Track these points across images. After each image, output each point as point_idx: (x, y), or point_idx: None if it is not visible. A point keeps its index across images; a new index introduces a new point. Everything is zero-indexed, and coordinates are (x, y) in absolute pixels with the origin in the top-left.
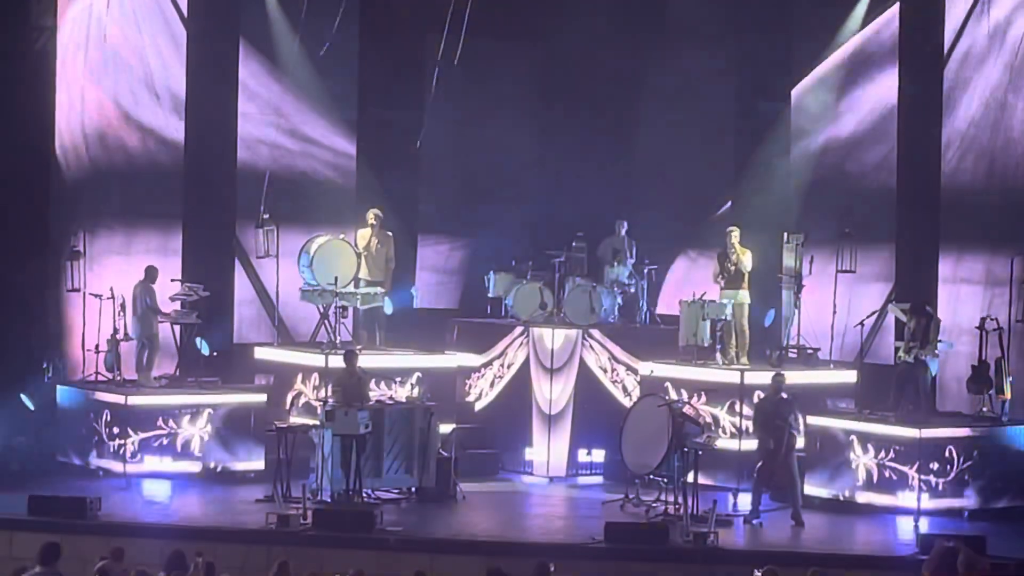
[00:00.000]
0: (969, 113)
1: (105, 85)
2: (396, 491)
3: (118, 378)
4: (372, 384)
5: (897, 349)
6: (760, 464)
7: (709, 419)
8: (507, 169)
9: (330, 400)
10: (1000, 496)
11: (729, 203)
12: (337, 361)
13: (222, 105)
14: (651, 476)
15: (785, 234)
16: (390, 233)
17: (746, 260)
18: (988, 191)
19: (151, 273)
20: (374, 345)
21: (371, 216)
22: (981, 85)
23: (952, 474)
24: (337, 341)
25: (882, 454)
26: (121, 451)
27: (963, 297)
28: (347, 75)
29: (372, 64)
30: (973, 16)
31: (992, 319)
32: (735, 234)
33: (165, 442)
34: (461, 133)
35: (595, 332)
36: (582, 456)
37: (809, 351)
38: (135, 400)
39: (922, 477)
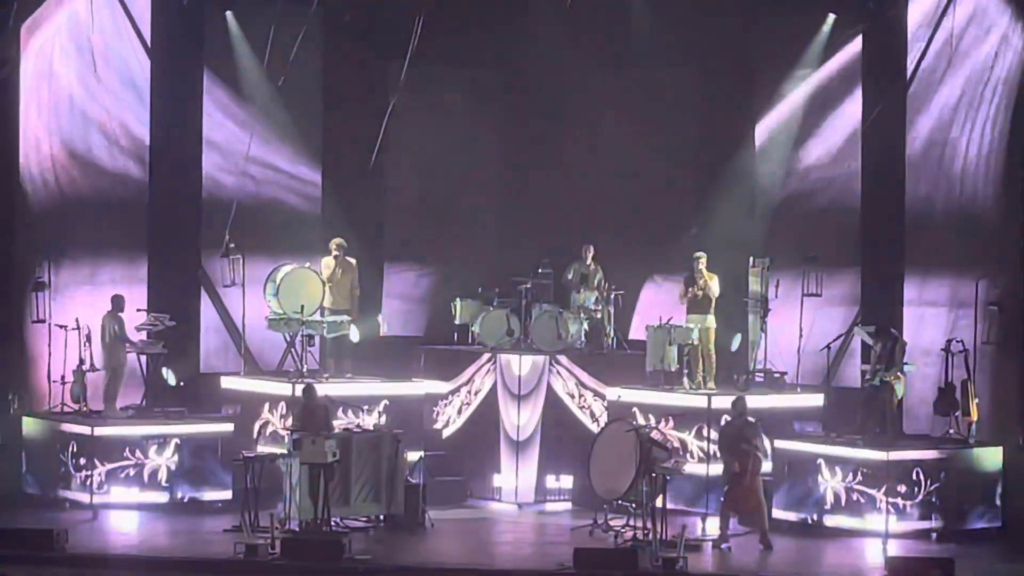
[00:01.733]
0: (931, 137)
1: (70, 114)
2: (364, 519)
3: (84, 409)
4: (339, 413)
5: (864, 372)
6: (727, 488)
7: (677, 444)
8: (472, 196)
9: (294, 431)
10: (968, 518)
11: (695, 227)
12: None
13: (187, 134)
14: (619, 501)
15: (751, 258)
16: (353, 261)
17: (714, 285)
18: (951, 215)
19: (118, 303)
20: (341, 373)
21: (334, 245)
22: (943, 110)
23: (920, 496)
24: (304, 370)
25: (849, 477)
26: (88, 482)
27: (928, 320)
28: (311, 104)
29: (336, 93)
30: (934, 43)
31: (957, 341)
32: (703, 260)
33: (132, 473)
34: (425, 160)
35: (562, 358)
36: (550, 482)
37: (776, 375)
38: (102, 431)
39: (890, 500)
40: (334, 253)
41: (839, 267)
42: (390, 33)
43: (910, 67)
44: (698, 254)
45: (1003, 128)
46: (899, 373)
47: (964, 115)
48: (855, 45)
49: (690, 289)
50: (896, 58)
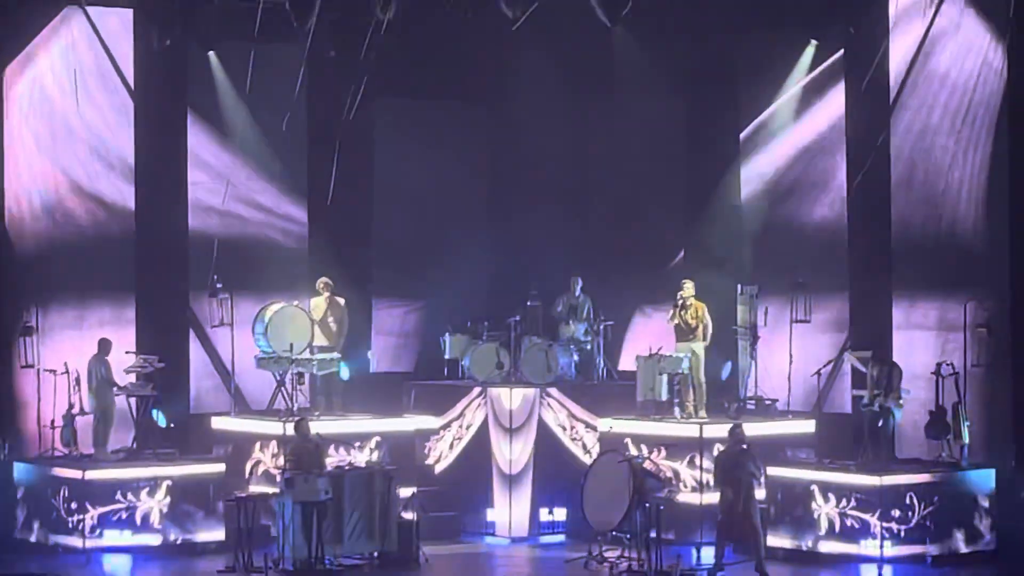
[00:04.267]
0: (916, 160)
1: (53, 157)
2: (358, 557)
3: (75, 453)
4: (331, 450)
5: (859, 398)
6: (721, 517)
7: (670, 474)
8: (459, 229)
9: (286, 470)
10: (962, 541)
11: (682, 254)
12: (292, 429)
13: (172, 175)
14: (614, 533)
15: (739, 286)
16: (342, 300)
17: (703, 315)
18: (937, 237)
19: (104, 346)
20: (332, 411)
21: (321, 284)
22: (927, 133)
23: (914, 521)
24: (294, 408)
25: (843, 503)
26: (80, 526)
27: (917, 343)
28: (296, 142)
29: (320, 129)
30: (916, 66)
31: (947, 364)
32: (688, 286)
33: (124, 516)
34: (412, 196)
35: (553, 390)
36: (544, 515)
37: (767, 402)
38: (93, 474)
39: (884, 525)
40: (321, 291)
41: (827, 292)
42: (374, 70)
43: (892, 90)
44: (684, 281)
45: (987, 149)
46: (899, 400)
47: (948, 138)
48: (838, 71)
49: (683, 316)
50: (878, 82)
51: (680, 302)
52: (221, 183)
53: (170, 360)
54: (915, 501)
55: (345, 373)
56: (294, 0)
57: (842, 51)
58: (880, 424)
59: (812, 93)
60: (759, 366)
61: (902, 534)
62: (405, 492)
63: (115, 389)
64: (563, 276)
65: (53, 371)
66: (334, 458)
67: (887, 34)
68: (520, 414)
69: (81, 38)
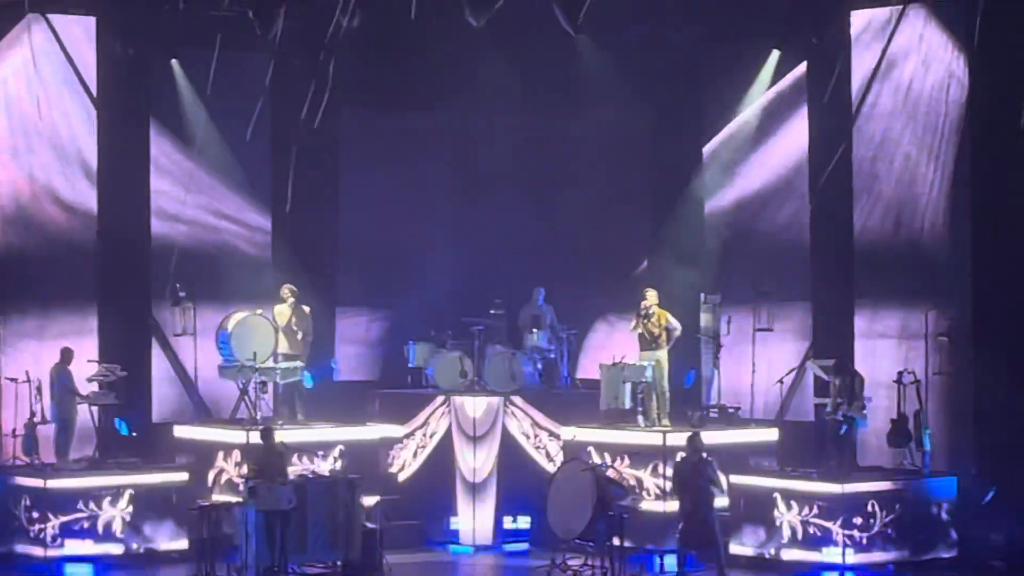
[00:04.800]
0: (877, 168)
1: (16, 166)
2: (322, 565)
3: (36, 462)
4: (294, 459)
5: (821, 406)
6: (682, 525)
7: (633, 482)
8: (423, 239)
9: (250, 477)
10: (924, 548)
11: (645, 263)
12: (258, 437)
13: (135, 184)
14: (577, 541)
15: (702, 294)
16: (307, 308)
17: (666, 323)
18: (899, 246)
19: (67, 355)
20: (295, 419)
21: (286, 292)
22: (889, 144)
23: (875, 528)
24: (258, 417)
25: (806, 510)
26: (42, 536)
27: (879, 352)
28: (260, 150)
29: (284, 137)
30: (879, 77)
31: (909, 372)
32: (651, 295)
33: (86, 525)
34: (376, 205)
35: (516, 399)
36: (508, 523)
37: (730, 410)
38: (54, 483)
39: (846, 532)
40: (289, 301)
41: (789, 301)
42: (338, 78)
43: (855, 101)
44: (646, 289)
45: (949, 159)
46: (863, 409)
47: (910, 147)
48: (800, 80)
49: (646, 325)
50: (841, 92)
51: (643, 312)
52: (183, 191)
53: (132, 369)
54: (877, 509)
55: (308, 381)
56: (258, 9)
57: (805, 61)
58: (843, 432)
59: (775, 102)
60: (722, 374)
61: (864, 542)
62: (369, 501)
63: (77, 398)
64: (526, 284)
65: (14, 380)
66: (297, 467)
67: (850, 44)
68: (484, 423)
69: (44, 46)
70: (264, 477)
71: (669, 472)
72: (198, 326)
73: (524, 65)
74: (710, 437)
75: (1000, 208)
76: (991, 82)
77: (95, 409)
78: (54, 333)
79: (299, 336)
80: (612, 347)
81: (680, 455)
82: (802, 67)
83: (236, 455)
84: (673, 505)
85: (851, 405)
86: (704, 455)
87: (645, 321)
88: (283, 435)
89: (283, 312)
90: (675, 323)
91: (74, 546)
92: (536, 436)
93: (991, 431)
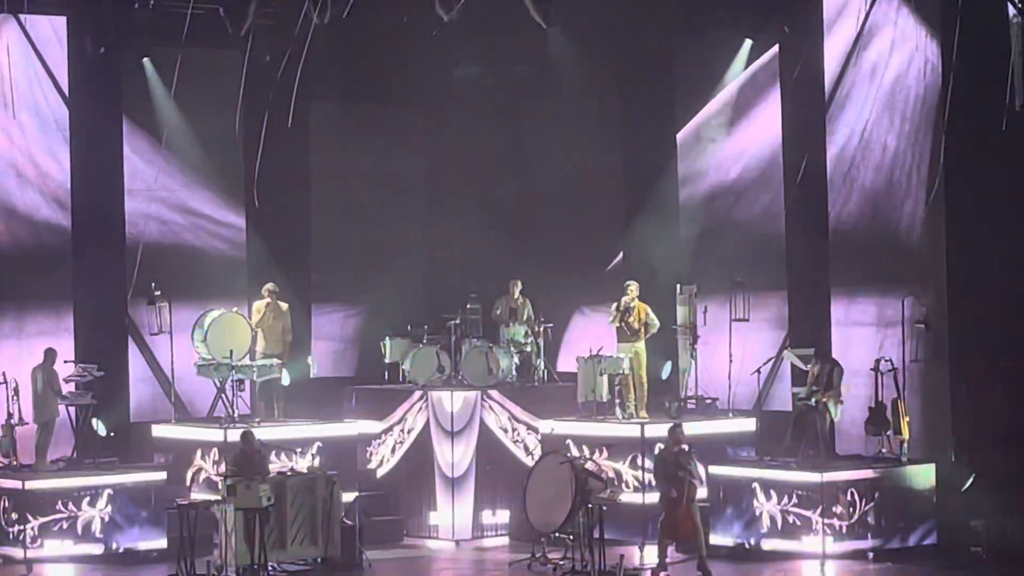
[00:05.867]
0: (851, 156)
1: None
2: (302, 563)
3: (14, 463)
4: (273, 456)
5: (795, 395)
6: (663, 516)
7: (612, 474)
8: (397, 234)
9: (229, 475)
10: (903, 536)
11: (621, 255)
12: (236, 435)
13: (108, 182)
14: (557, 534)
15: (678, 285)
16: (285, 306)
17: (645, 317)
18: (874, 233)
19: (51, 356)
20: (273, 417)
21: (266, 291)
22: (863, 130)
23: (855, 516)
24: (235, 415)
25: (785, 500)
26: (21, 537)
27: (856, 339)
28: (232, 147)
29: (256, 135)
30: (852, 59)
31: (886, 360)
32: (632, 288)
33: (65, 525)
34: (349, 200)
35: (494, 393)
36: (487, 517)
37: (708, 401)
38: (33, 484)
39: (825, 521)
40: (266, 299)
41: (766, 291)
42: (309, 74)
43: (828, 88)
44: (628, 283)
45: (924, 146)
46: (839, 398)
47: (884, 135)
48: (773, 69)
49: (625, 319)
50: (813, 80)
51: (624, 306)
52: (157, 189)
53: (109, 369)
54: (856, 497)
55: (286, 379)
56: (229, 6)
57: (777, 49)
58: (808, 417)
59: (749, 91)
60: (699, 365)
61: (844, 530)
62: (348, 497)
63: (59, 398)
64: (502, 278)
65: None
66: (276, 464)
67: (822, 33)
68: (461, 417)
69: (14, 45)
70: (243, 475)
71: (648, 464)
72: (174, 324)
73: (495, 59)
74: (688, 428)
75: (974, 193)
76: (965, 67)
77: (72, 409)
78: (30, 333)
79: (278, 334)
80: (588, 339)
81: (659, 446)
82: (775, 56)
83: (214, 453)
84: (652, 497)
85: (826, 393)
86: (684, 446)
87: (626, 315)
88: (261, 433)
89: (259, 308)
90: (655, 319)
91: (54, 547)
92: (514, 430)
93: (969, 417)
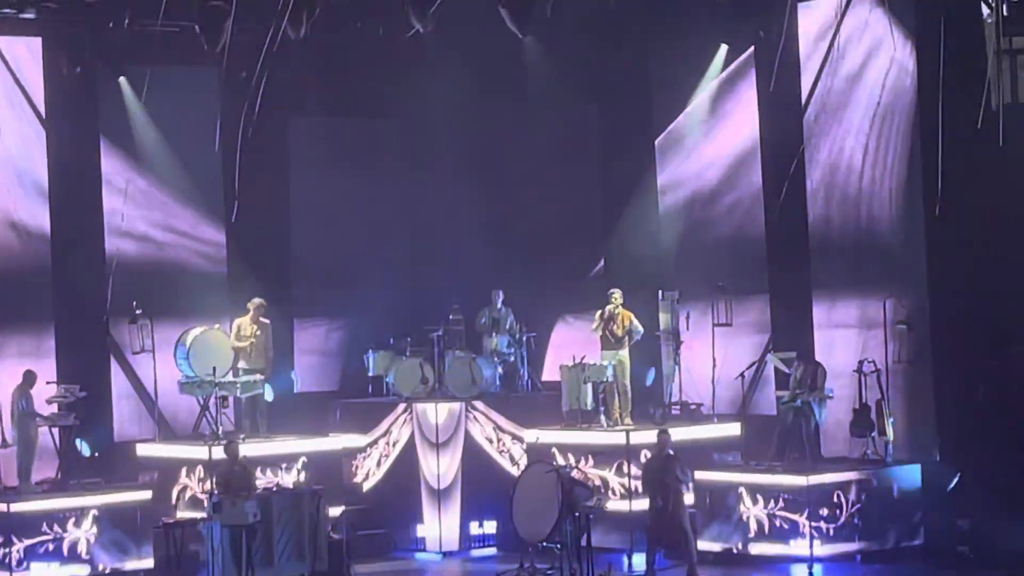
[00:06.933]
0: (831, 158)
1: None
2: None
3: None
4: (258, 472)
5: (780, 397)
6: (651, 523)
7: (598, 482)
8: (379, 245)
9: (215, 493)
10: (890, 537)
11: (602, 263)
12: (220, 452)
13: (87, 202)
14: (545, 543)
15: (660, 291)
16: (267, 321)
17: (629, 325)
18: (855, 236)
19: (29, 378)
20: (257, 432)
21: (252, 306)
22: (841, 134)
23: (842, 519)
24: (220, 432)
25: (771, 504)
26: (6, 560)
27: (839, 342)
28: (211, 164)
29: (233, 151)
30: (828, 68)
31: (869, 361)
32: (616, 296)
33: (51, 547)
34: (328, 214)
35: (478, 403)
36: (474, 529)
37: (692, 407)
38: (17, 507)
39: (812, 524)
40: (251, 314)
41: (748, 295)
42: (286, 89)
43: (804, 93)
44: (612, 291)
45: (902, 148)
46: (824, 398)
47: (862, 137)
48: (749, 74)
49: (609, 327)
50: (790, 85)
51: (607, 314)
52: (134, 208)
53: (92, 389)
54: (842, 499)
55: (269, 394)
56: (204, 23)
57: (753, 54)
58: (794, 420)
59: (725, 97)
60: (683, 370)
61: (831, 533)
62: (334, 511)
63: (37, 420)
64: (484, 288)
65: None
66: (262, 480)
67: (797, 37)
68: (446, 428)
69: None
70: (229, 492)
71: (634, 471)
72: (156, 343)
73: (472, 69)
74: (673, 434)
75: (953, 193)
76: (940, 68)
77: (56, 430)
78: (11, 354)
79: (260, 349)
80: (571, 348)
81: (645, 453)
82: (751, 61)
83: (199, 471)
84: (640, 504)
85: (811, 394)
86: (671, 452)
87: (610, 323)
88: (246, 449)
89: (241, 324)
90: (638, 326)
91: (40, 569)
92: (499, 440)
93: (953, 417)
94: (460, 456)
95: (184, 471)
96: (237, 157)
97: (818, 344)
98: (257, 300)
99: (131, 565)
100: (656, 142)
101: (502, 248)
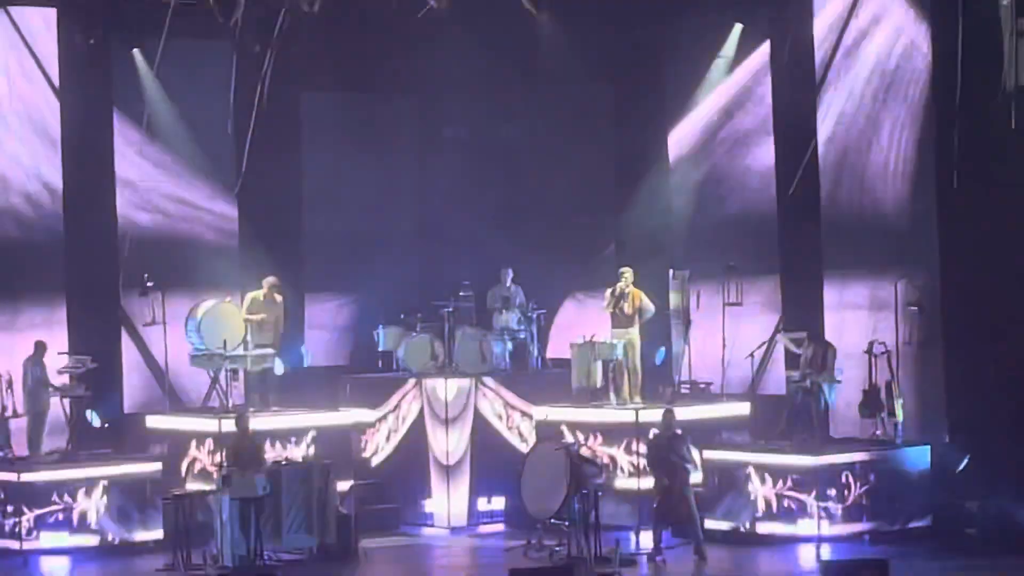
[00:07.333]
0: (844, 140)
1: None
2: (297, 552)
3: (9, 455)
4: (267, 446)
5: (790, 377)
6: (658, 501)
7: (607, 460)
8: (390, 221)
9: (225, 465)
10: (899, 518)
11: (613, 243)
12: (230, 425)
13: (99, 174)
14: (552, 520)
15: (671, 270)
16: (280, 299)
17: (640, 303)
18: (867, 217)
19: (40, 348)
20: (267, 406)
21: (267, 284)
22: (854, 113)
23: (850, 499)
24: (229, 405)
25: (780, 484)
26: (17, 529)
27: (849, 322)
28: (223, 137)
29: (246, 125)
30: (842, 47)
31: (880, 343)
32: (628, 275)
33: (61, 517)
34: (341, 189)
35: (488, 380)
36: (482, 505)
37: (701, 386)
38: (28, 477)
39: (821, 504)
40: (264, 291)
41: (758, 275)
42: (300, 63)
43: (818, 72)
44: (623, 270)
45: (914, 129)
46: (834, 379)
47: (875, 118)
48: (763, 53)
49: (620, 305)
50: (804, 64)
51: (618, 291)
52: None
53: (103, 360)
54: (851, 480)
55: (279, 368)
56: None
57: (768, 33)
58: (803, 400)
59: (739, 76)
60: (693, 349)
61: (839, 513)
62: (343, 486)
63: (50, 390)
64: (494, 265)
65: None
66: (271, 454)
67: (811, 16)
68: (456, 405)
69: (3, 38)
70: (239, 465)
71: (643, 449)
72: (167, 315)
73: (486, 46)
74: (682, 413)
75: (966, 175)
76: (956, 49)
77: (66, 401)
78: (23, 326)
79: (272, 324)
80: (582, 325)
81: (653, 432)
82: (765, 39)
83: (209, 444)
84: (647, 482)
85: (820, 375)
86: (678, 431)
87: (621, 301)
88: (256, 422)
89: (253, 298)
90: (649, 305)
91: (50, 539)
92: (509, 417)
93: (963, 399)
94: (469, 432)
95: (194, 443)
96: (250, 131)
97: (828, 325)
98: (271, 279)
99: (140, 536)
100: (668, 120)
101: (513, 225)
